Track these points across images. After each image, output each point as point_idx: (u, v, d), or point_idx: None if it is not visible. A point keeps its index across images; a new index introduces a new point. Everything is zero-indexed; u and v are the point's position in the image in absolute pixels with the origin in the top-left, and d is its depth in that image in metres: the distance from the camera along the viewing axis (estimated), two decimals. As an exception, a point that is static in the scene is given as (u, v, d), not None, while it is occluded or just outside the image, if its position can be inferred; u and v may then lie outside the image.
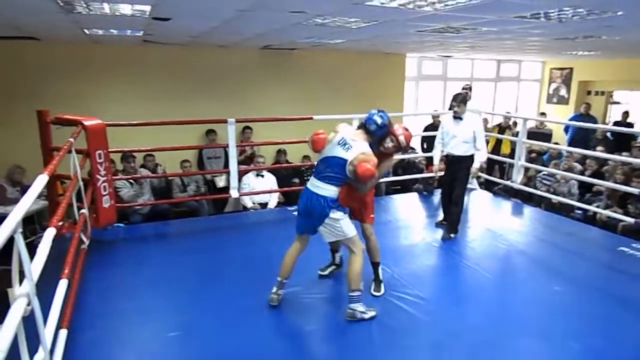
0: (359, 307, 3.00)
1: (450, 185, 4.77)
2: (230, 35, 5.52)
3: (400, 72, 9.00)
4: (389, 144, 3.16)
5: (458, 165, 4.56)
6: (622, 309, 3.25)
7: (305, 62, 7.98)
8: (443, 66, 9.92)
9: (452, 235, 4.53)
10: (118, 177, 5.29)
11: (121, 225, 4.87)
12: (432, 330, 2.95)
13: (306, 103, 7.74)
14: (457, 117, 4.48)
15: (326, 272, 3.68)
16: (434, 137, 6.92)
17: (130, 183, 5.45)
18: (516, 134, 7.70)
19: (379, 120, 3.04)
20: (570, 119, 9.17)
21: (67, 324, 2.59)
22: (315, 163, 3.16)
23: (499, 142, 7.60)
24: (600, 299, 3.38)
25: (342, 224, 3.03)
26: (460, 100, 4.48)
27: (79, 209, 3.65)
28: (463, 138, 4.46)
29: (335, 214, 3.00)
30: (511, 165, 7.05)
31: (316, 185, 3.02)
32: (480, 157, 4.56)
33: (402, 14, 3.87)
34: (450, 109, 4.63)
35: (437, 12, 3.66)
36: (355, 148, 2.92)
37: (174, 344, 2.77)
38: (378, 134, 3.07)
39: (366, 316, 3.01)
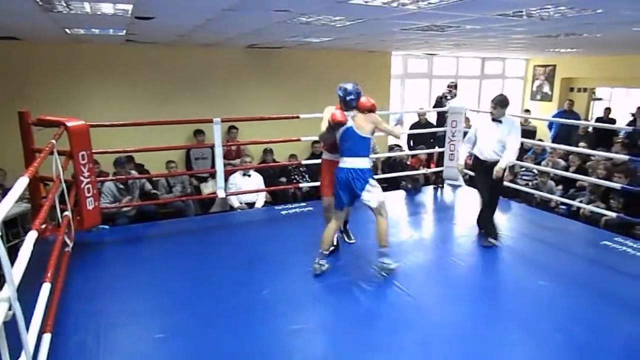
0: (386, 260, 3.55)
1: (487, 192, 4.40)
2: (215, 34, 5.48)
3: (386, 70, 9.03)
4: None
5: (492, 168, 4.18)
6: (605, 301, 3.31)
7: (291, 61, 7.96)
8: (429, 64, 9.98)
9: (492, 240, 4.25)
10: (102, 178, 5.23)
11: (106, 227, 4.81)
12: (420, 327, 2.97)
13: (292, 102, 7.73)
14: (496, 120, 4.19)
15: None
16: (420, 134, 7.05)
17: (119, 188, 5.35)
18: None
19: (340, 93, 3.77)
20: (554, 116, 9.30)
21: (51, 328, 2.56)
22: (339, 145, 3.68)
23: None
24: (584, 293, 3.43)
25: (379, 190, 3.60)
26: (497, 102, 4.16)
27: (63, 211, 3.61)
28: (503, 142, 4.14)
29: (373, 182, 3.58)
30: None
31: (353, 162, 3.57)
32: (509, 158, 4.16)
33: (386, 12, 3.88)
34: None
35: (421, 10, 3.68)
36: (358, 122, 3.63)
37: (161, 346, 2.75)
38: (352, 103, 3.70)
39: (392, 266, 3.56)
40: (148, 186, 5.71)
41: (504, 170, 4.18)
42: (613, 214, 4.86)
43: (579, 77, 10.47)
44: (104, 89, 6.84)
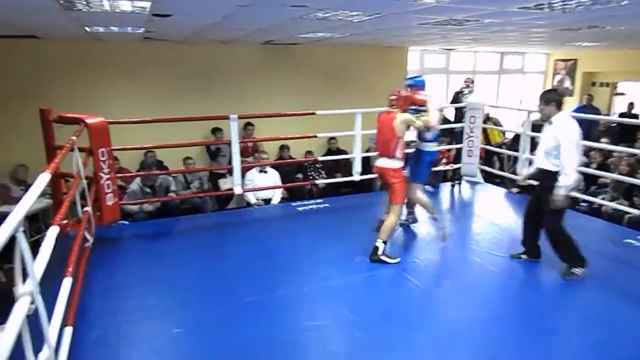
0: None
1: (534, 205, 3.73)
2: (232, 30, 5.49)
3: (403, 66, 8.95)
4: None
5: (542, 183, 3.62)
6: (627, 301, 3.23)
7: (307, 57, 7.94)
8: (446, 59, 9.86)
9: (574, 270, 3.51)
10: (122, 174, 5.28)
11: (125, 222, 4.88)
12: (438, 325, 2.95)
13: (308, 98, 7.71)
14: (546, 120, 3.53)
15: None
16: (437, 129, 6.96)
17: (145, 192, 5.40)
18: (497, 123, 7.69)
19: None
20: (574, 111, 9.10)
21: (72, 321, 2.60)
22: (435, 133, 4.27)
23: (485, 132, 7.53)
24: (605, 292, 3.35)
25: None
26: (541, 97, 3.52)
27: (83, 207, 3.66)
28: (546, 147, 3.50)
29: None
30: (509, 157, 7.01)
31: None
32: (564, 179, 3.32)
33: (404, 7, 3.83)
34: None
35: (439, 3, 3.63)
36: None
37: (179, 341, 2.77)
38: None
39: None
40: (173, 187, 5.75)
41: (565, 195, 3.36)
42: (637, 211, 4.74)
43: (601, 72, 10.24)
44: (121, 86, 6.91)
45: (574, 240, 3.52)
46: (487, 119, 7.57)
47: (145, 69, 6.99)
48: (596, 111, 8.91)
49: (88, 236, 3.76)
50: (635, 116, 8.98)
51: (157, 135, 5.65)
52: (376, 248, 3.78)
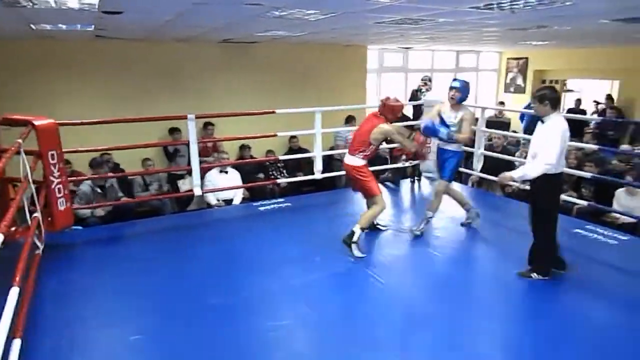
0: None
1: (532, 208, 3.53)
2: (188, 28, 5.39)
3: (362, 64, 9.04)
4: None
5: (532, 187, 3.42)
6: (577, 289, 3.38)
7: (267, 56, 7.89)
8: (404, 58, 10.03)
9: (532, 275, 3.44)
10: (75, 178, 5.09)
11: (79, 227, 4.71)
12: (400, 319, 3.00)
13: (269, 97, 7.67)
14: (541, 119, 3.34)
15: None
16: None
17: (96, 193, 5.20)
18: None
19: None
20: (525, 107, 9.43)
21: (21, 333, 2.48)
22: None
23: None
24: (556, 281, 3.49)
25: None
26: (534, 95, 3.35)
27: (32, 212, 3.50)
28: (536, 148, 3.32)
29: None
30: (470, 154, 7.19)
31: None
32: (528, 169, 3.28)
33: (360, 5, 3.87)
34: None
35: (393, 3, 3.68)
36: None
37: (137, 348, 2.70)
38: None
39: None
40: (120, 194, 5.57)
41: (514, 180, 3.36)
42: (584, 202, 4.98)
43: (551, 69, 10.68)
44: (74, 86, 6.65)
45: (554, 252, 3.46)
46: None
47: (99, 68, 6.76)
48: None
49: (38, 243, 3.60)
50: (582, 112, 9.42)
51: (113, 136, 5.47)
52: (352, 233, 3.80)
